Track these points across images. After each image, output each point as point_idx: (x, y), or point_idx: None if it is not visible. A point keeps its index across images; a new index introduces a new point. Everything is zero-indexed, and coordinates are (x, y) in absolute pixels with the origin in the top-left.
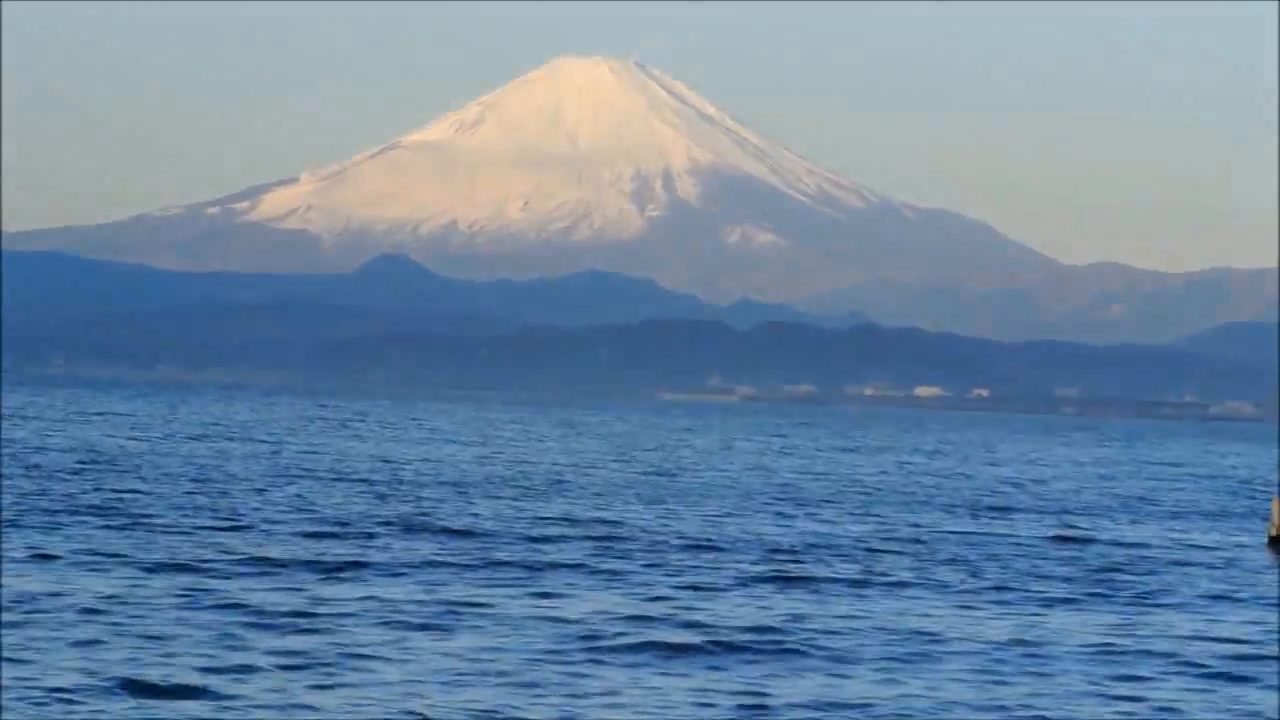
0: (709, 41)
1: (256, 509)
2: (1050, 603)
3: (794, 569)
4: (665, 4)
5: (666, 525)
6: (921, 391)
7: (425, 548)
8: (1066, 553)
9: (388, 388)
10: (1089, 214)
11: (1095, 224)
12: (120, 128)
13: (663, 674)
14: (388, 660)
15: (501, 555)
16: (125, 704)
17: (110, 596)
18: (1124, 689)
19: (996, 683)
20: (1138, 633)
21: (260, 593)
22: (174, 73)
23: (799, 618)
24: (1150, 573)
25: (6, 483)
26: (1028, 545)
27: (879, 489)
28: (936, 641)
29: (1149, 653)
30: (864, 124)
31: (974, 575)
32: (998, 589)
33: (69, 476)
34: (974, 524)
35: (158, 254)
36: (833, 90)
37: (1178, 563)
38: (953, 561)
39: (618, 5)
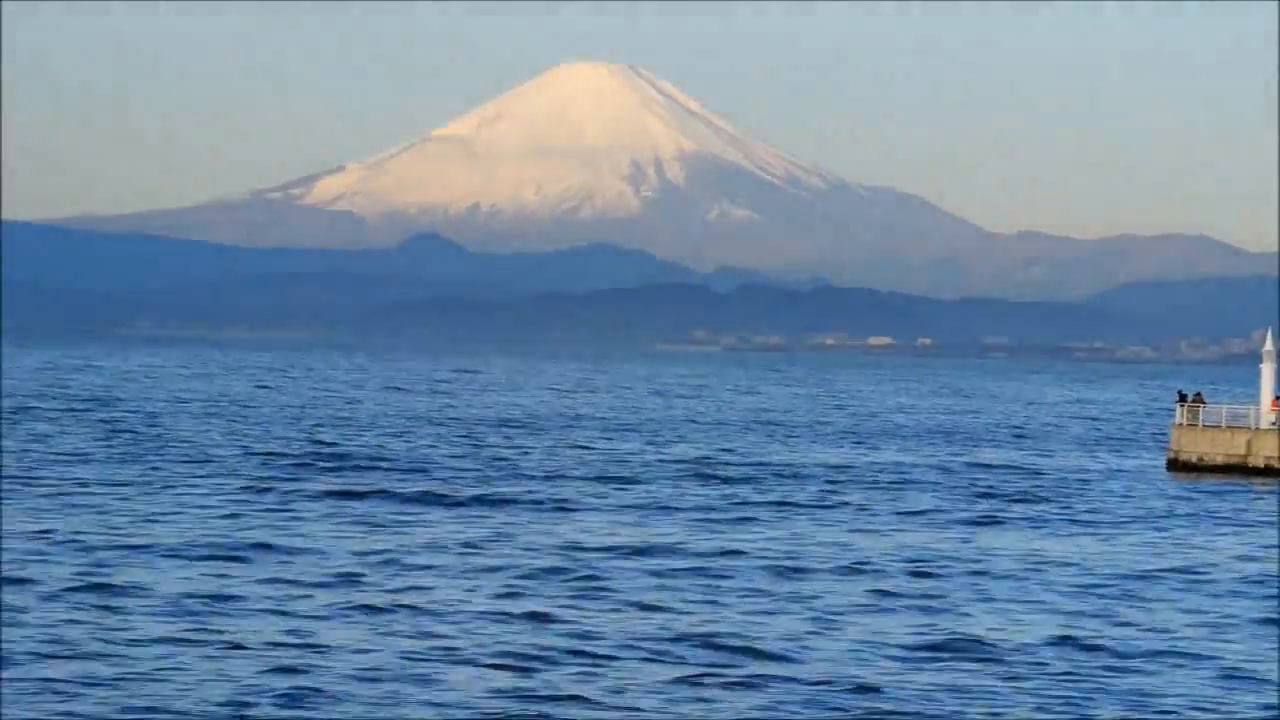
0: (691, 47)
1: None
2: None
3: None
4: (655, 16)
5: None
6: (874, 341)
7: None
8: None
9: (425, 343)
10: (1012, 189)
11: (1017, 197)
12: (193, 126)
13: None
14: None
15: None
16: None
17: None
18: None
19: None
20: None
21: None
22: (239, 79)
23: None
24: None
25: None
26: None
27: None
28: None
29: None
30: (823, 116)
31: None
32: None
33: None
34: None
35: (228, 232)
36: (797, 87)
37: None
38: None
39: (616, 18)
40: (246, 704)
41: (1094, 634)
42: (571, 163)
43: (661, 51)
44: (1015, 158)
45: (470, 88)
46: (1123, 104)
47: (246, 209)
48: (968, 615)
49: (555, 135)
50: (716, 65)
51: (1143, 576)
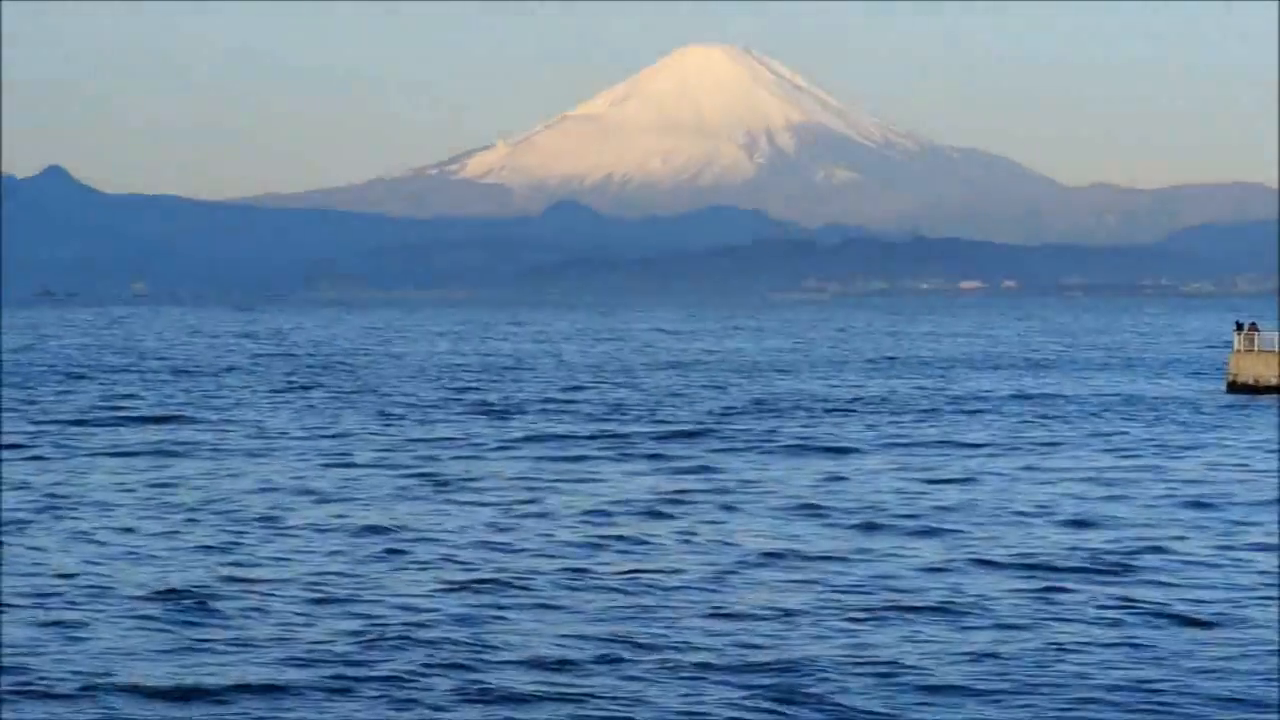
0: (798, 29)
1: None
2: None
3: None
4: (767, 3)
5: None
6: (965, 285)
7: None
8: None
9: (570, 298)
10: (1085, 146)
11: (1090, 154)
12: (359, 110)
13: None
14: None
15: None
16: None
17: None
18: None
19: None
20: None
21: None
22: (400, 69)
23: None
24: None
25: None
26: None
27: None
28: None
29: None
30: (914, 86)
31: None
32: None
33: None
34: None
35: (392, 205)
36: (893, 60)
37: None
38: None
39: (732, 4)
40: None
41: None
42: (693, 135)
43: (771, 34)
44: (1087, 118)
45: (603, 71)
46: (1181, 65)
47: (408, 184)
48: None
49: (678, 111)
50: (819, 44)
51: None
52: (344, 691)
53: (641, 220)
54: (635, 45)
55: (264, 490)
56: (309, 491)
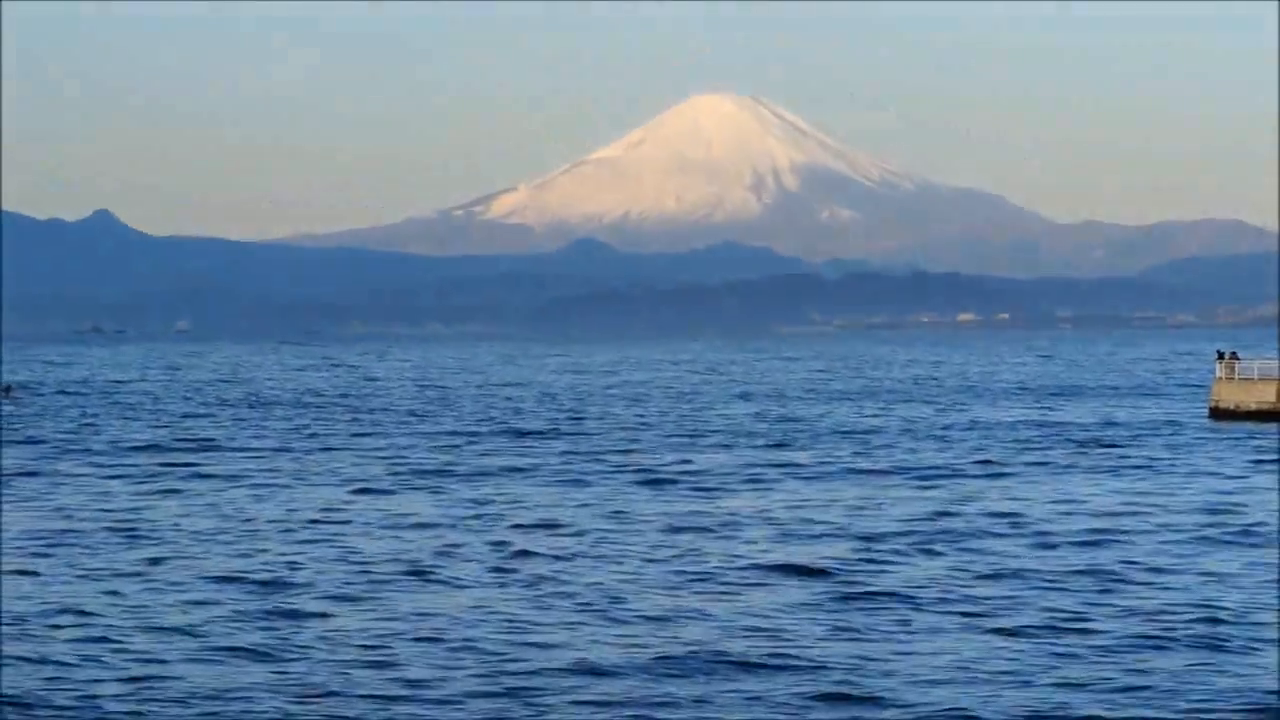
0: (800, 77)
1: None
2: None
3: None
4: (770, 55)
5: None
6: (962, 318)
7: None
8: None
9: (587, 334)
10: (1074, 185)
11: (1079, 193)
12: (389, 156)
13: None
14: None
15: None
16: None
17: None
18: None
19: None
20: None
21: None
22: (424, 117)
23: None
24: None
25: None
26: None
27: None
28: None
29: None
30: (911, 129)
31: None
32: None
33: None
34: None
35: (421, 244)
36: (887, 106)
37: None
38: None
39: (739, 56)
40: None
41: None
42: (704, 177)
43: (775, 82)
44: (1076, 158)
45: (619, 119)
46: (1165, 108)
47: (436, 225)
48: None
49: (691, 154)
50: (821, 91)
51: None
52: None
53: (655, 256)
54: (650, 94)
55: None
56: None
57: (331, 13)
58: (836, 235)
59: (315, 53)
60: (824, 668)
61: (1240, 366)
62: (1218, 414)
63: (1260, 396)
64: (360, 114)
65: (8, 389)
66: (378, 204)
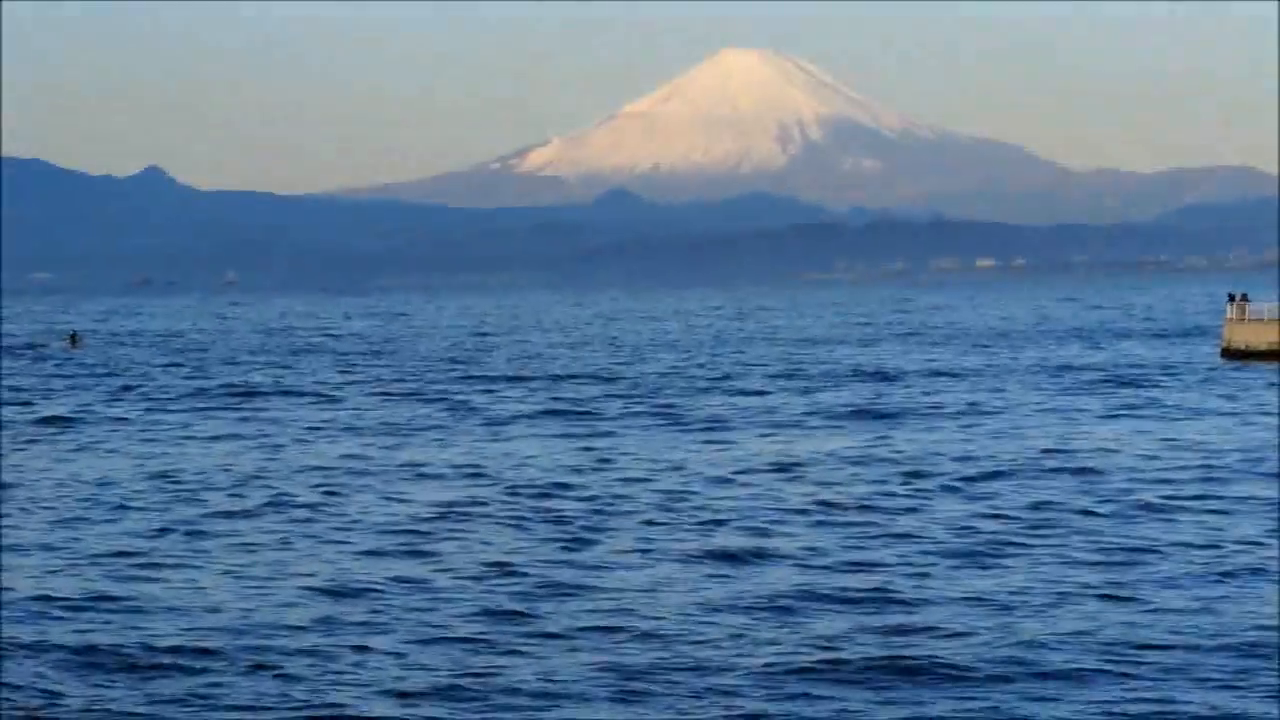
0: (824, 31)
1: None
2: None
3: None
4: (796, 8)
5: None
6: (980, 263)
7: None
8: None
9: (622, 280)
10: (1089, 133)
11: (1094, 140)
12: (428, 111)
13: None
14: None
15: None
16: None
17: None
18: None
19: None
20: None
21: None
22: (464, 73)
23: None
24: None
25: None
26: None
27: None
28: None
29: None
30: (934, 79)
31: None
32: None
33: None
34: None
35: (458, 197)
36: (909, 58)
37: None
38: None
39: (766, 10)
40: None
41: None
42: (731, 129)
43: (800, 36)
44: (1092, 108)
45: (649, 74)
46: (1179, 56)
47: (472, 178)
48: None
49: (718, 108)
50: (844, 44)
51: None
52: None
53: (684, 207)
54: (678, 49)
55: None
56: None
57: None
58: (859, 184)
59: (361, 7)
60: None
61: (1250, 309)
62: (1229, 354)
63: (1270, 337)
64: (399, 73)
65: (74, 336)
66: (417, 159)
